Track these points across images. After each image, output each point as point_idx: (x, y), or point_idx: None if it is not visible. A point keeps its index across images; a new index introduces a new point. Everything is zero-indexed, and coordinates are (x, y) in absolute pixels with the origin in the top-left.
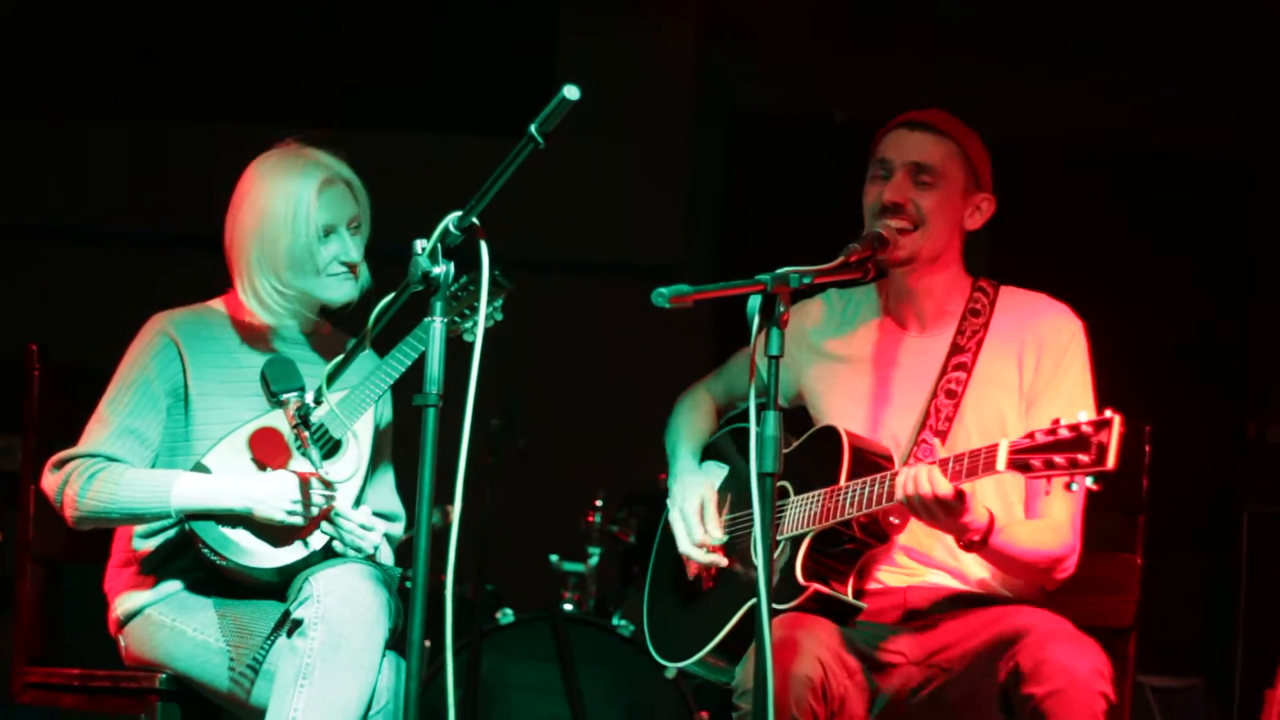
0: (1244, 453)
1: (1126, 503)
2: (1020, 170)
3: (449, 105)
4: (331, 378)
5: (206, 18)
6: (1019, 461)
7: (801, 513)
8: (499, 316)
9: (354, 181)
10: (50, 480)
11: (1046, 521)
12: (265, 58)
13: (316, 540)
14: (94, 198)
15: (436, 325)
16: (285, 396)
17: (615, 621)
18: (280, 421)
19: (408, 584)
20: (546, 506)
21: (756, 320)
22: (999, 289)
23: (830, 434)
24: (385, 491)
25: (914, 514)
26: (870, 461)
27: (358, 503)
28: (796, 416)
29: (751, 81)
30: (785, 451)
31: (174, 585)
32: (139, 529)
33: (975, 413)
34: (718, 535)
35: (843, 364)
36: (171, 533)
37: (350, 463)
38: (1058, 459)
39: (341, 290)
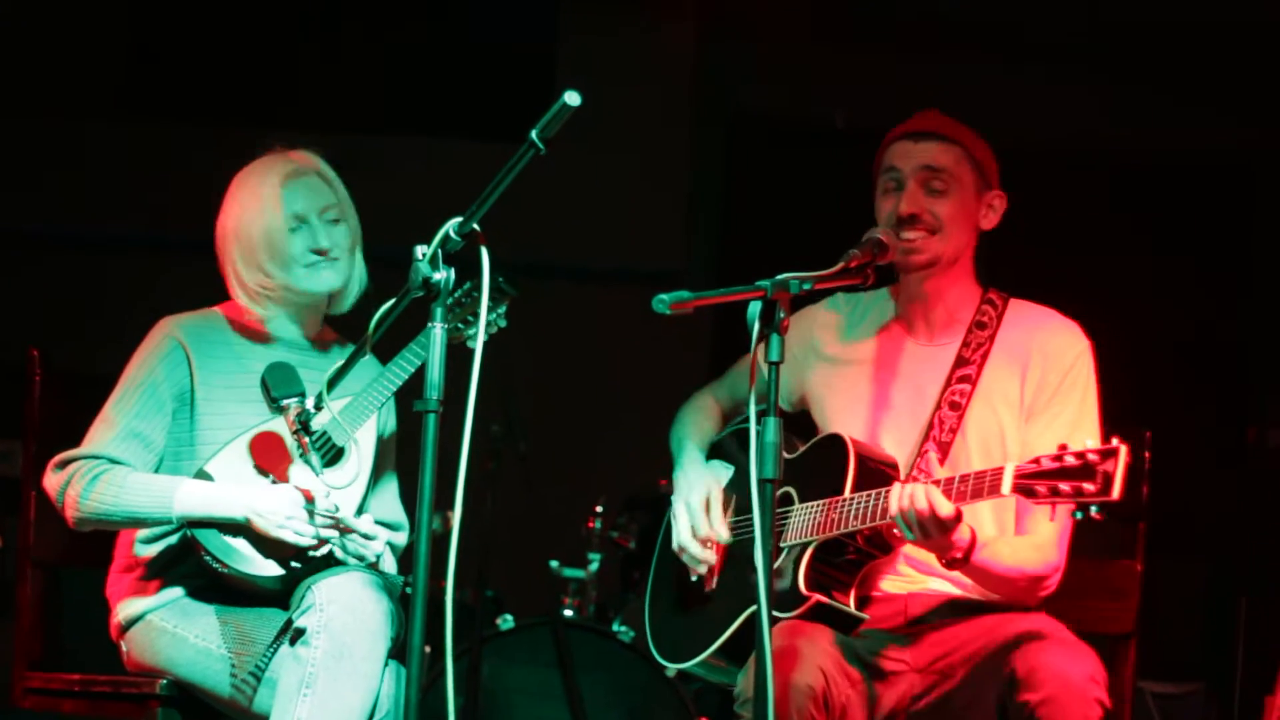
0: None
1: (1126, 508)
2: (1021, 174)
3: (449, 109)
4: (332, 383)
5: (206, 20)
6: (1024, 487)
7: (805, 521)
8: (502, 323)
9: (326, 174)
10: (53, 480)
11: (1031, 539)
12: (265, 60)
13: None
14: (94, 201)
15: (437, 331)
16: (286, 402)
17: (616, 627)
18: (281, 427)
19: (409, 590)
20: (547, 512)
21: (757, 326)
22: (1008, 301)
23: (836, 442)
24: (389, 500)
25: (905, 529)
26: (876, 471)
27: (360, 511)
28: (801, 421)
29: (752, 84)
30: (790, 457)
31: (176, 591)
32: (141, 534)
33: (977, 426)
34: (724, 535)
35: (848, 368)
36: (173, 539)
37: (351, 470)
38: (1063, 486)
39: (319, 280)
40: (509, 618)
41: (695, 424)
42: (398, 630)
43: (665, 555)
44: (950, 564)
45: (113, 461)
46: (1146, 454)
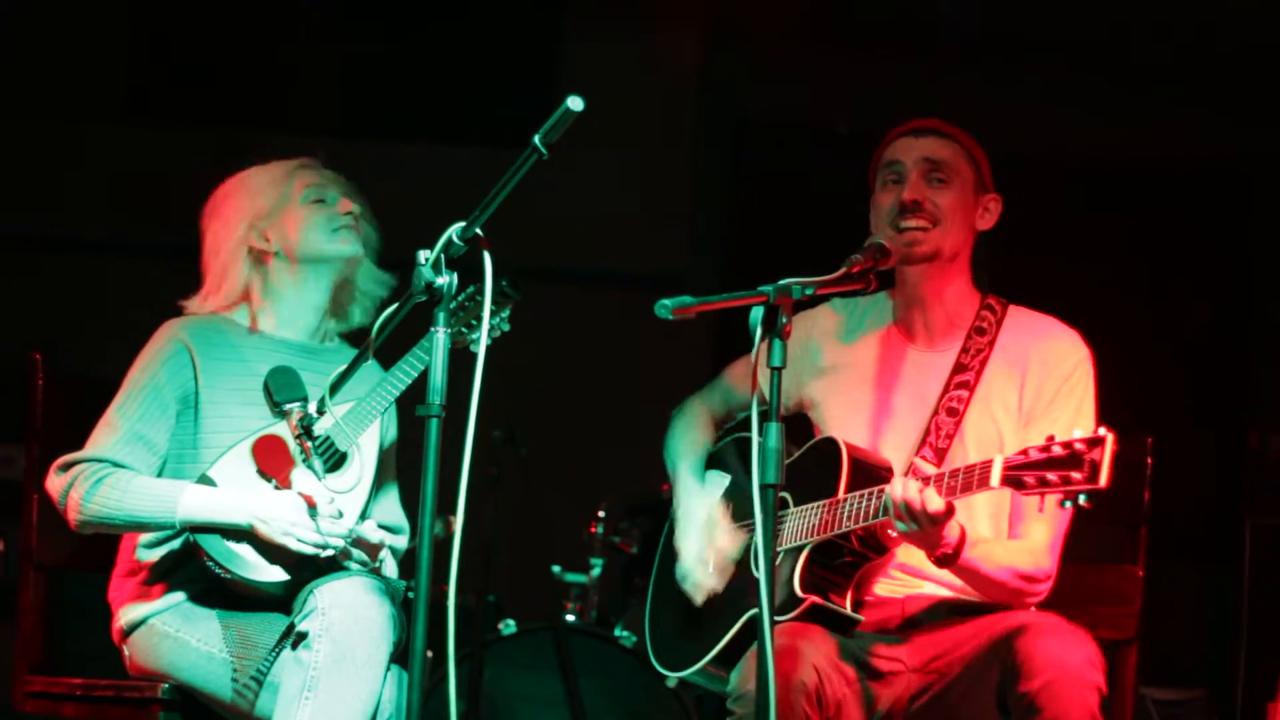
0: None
1: (1128, 514)
2: (1021, 177)
3: (452, 114)
4: (334, 388)
5: (210, 23)
6: (1013, 478)
7: (800, 524)
8: (506, 327)
9: (333, 171)
10: (55, 482)
11: (1024, 543)
12: (268, 65)
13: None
14: (96, 204)
15: (440, 336)
16: (288, 407)
17: (617, 632)
18: (284, 430)
19: (410, 595)
20: (549, 517)
21: (759, 331)
22: (1007, 308)
23: (830, 445)
24: (390, 504)
25: (897, 518)
26: (870, 474)
27: (363, 516)
28: (797, 426)
29: (755, 89)
30: (786, 462)
31: (178, 596)
32: (143, 539)
33: (975, 432)
34: (733, 554)
35: (846, 373)
36: (175, 543)
37: (354, 475)
38: (1051, 476)
39: (343, 243)
40: (511, 623)
41: (687, 440)
42: (399, 634)
43: (665, 566)
44: (940, 561)
45: (116, 465)
46: (1149, 459)
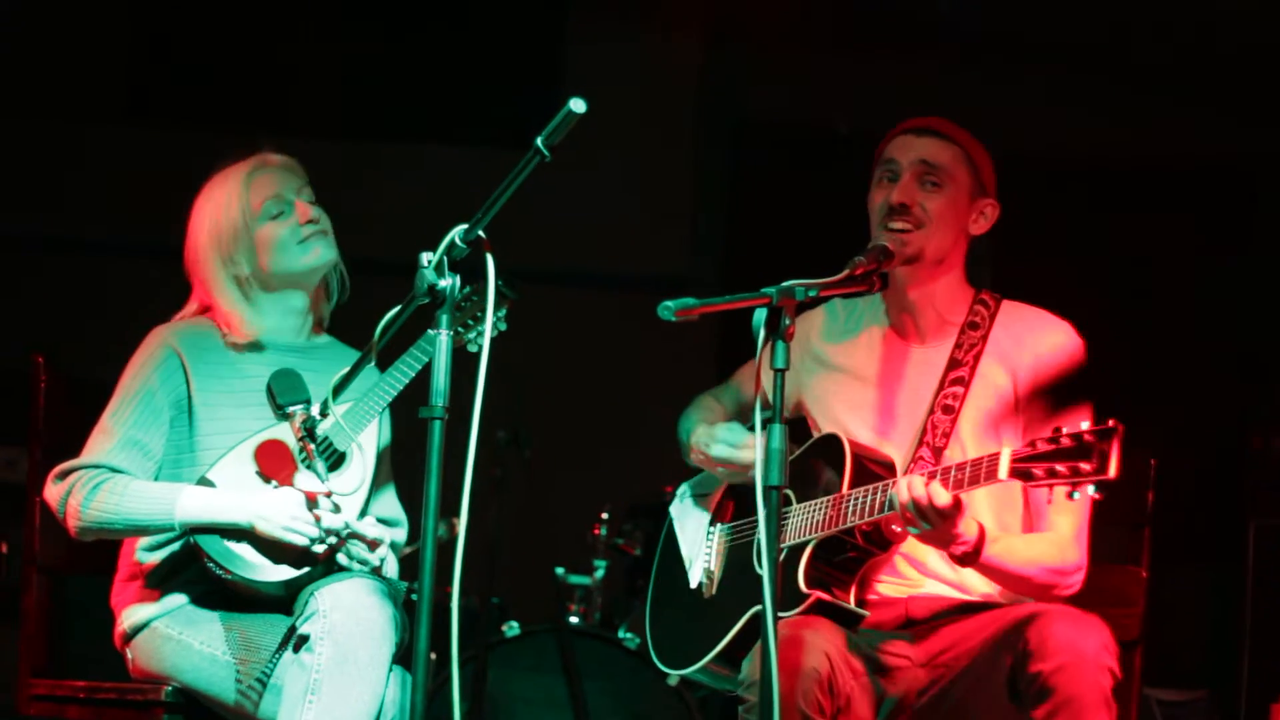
0: (1250, 465)
1: (1131, 515)
2: (1022, 177)
3: (453, 115)
4: (337, 390)
5: (211, 24)
6: (1021, 470)
7: (804, 520)
8: (502, 326)
9: (289, 163)
10: (53, 491)
11: (1049, 535)
12: (268, 65)
13: (321, 549)
14: (98, 205)
15: (443, 337)
16: (291, 409)
17: (621, 634)
18: (286, 433)
19: (413, 597)
20: (552, 519)
21: (762, 333)
22: (1000, 302)
23: (832, 442)
24: (387, 500)
25: (906, 522)
26: (872, 470)
27: (362, 514)
28: (796, 425)
29: (757, 90)
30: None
31: (180, 598)
32: (144, 542)
33: (971, 428)
34: (747, 457)
35: (844, 374)
36: (177, 546)
37: (355, 475)
38: (1060, 467)
39: (316, 253)
40: (514, 624)
41: (705, 417)
42: (402, 636)
43: (665, 563)
44: (962, 561)
45: (113, 470)
46: (1152, 460)
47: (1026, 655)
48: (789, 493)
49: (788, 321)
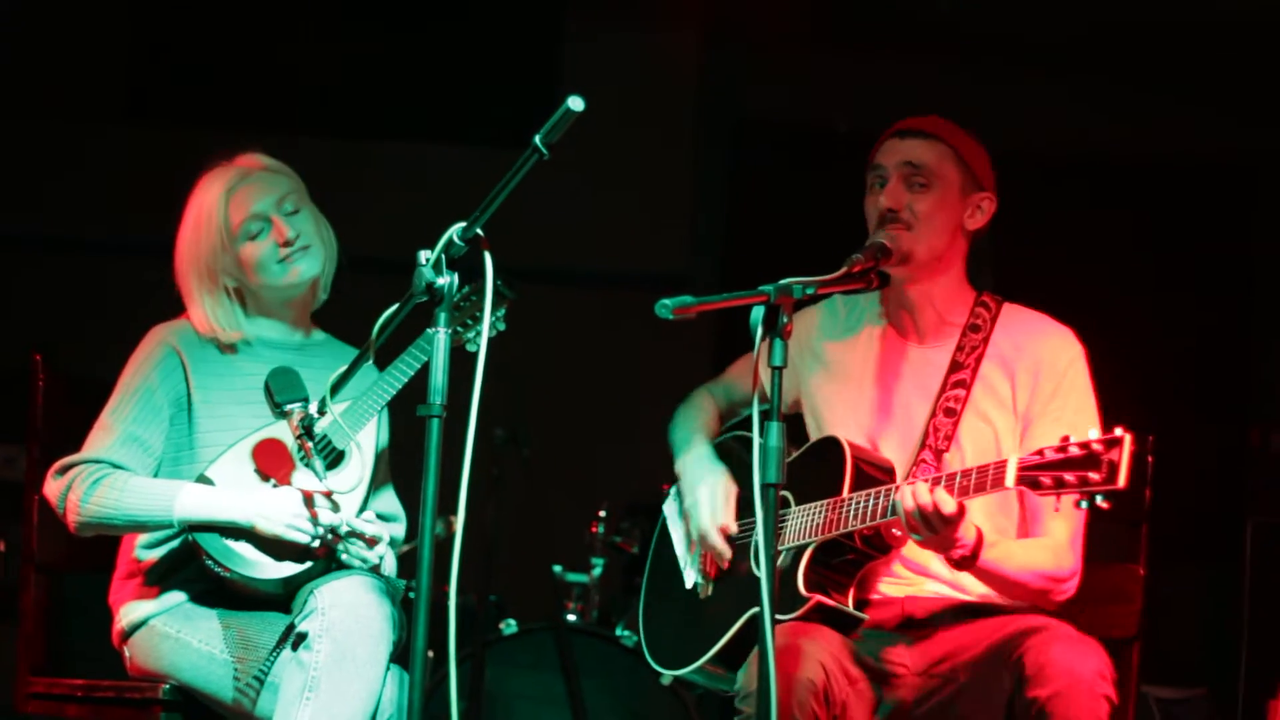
0: (1247, 462)
1: (1129, 513)
2: (1022, 175)
3: (452, 114)
4: (335, 388)
5: (211, 23)
6: (1028, 478)
7: (804, 523)
8: (501, 326)
9: (272, 166)
10: (53, 486)
11: (1044, 540)
12: (268, 65)
13: (319, 546)
14: (96, 204)
15: (441, 336)
16: (289, 407)
17: (618, 632)
18: (284, 432)
19: (411, 595)
20: (550, 517)
21: (760, 331)
22: (1002, 305)
23: (832, 445)
24: (386, 498)
25: (909, 528)
26: (872, 474)
27: (361, 512)
28: (794, 426)
29: (755, 88)
30: (786, 461)
31: (178, 596)
32: (142, 540)
33: (972, 431)
34: (733, 528)
35: (843, 373)
36: (175, 544)
37: (354, 473)
38: (1068, 476)
39: (297, 272)
40: (512, 622)
41: (697, 421)
42: (400, 634)
43: (659, 562)
44: (958, 565)
45: (113, 466)
46: (1149, 458)
47: (1024, 679)
48: (788, 494)
49: (785, 319)
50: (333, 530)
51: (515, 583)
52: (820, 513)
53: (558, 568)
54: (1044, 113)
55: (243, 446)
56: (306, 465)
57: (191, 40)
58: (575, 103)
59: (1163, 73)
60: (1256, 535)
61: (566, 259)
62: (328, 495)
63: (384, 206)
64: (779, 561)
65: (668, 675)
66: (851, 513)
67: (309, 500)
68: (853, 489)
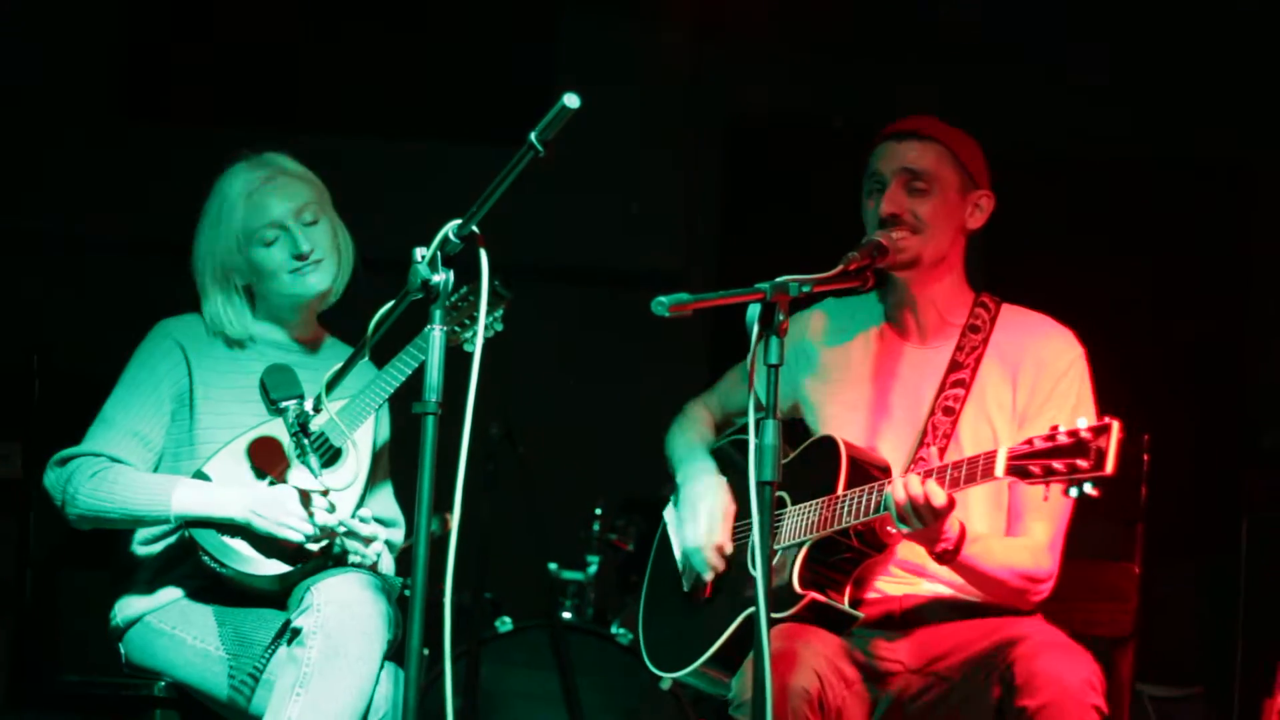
0: (1243, 460)
1: (1125, 511)
2: (1020, 175)
3: (448, 112)
4: (330, 385)
5: (206, 20)
6: (1018, 467)
7: (799, 522)
8: (499, 327)
9: (294, 171)
10: (52, 477)
11: (1024, 541)
12: (264, 62)
13: (315, 548)
14: (94, 202)
15: (436, 333)
16: (284, 404)
17: (614, 630)
18: (279, 429)
19: (406, 593)
20: (545, 514)
21: (756, 329)
22: (1001, 306)
23: (828, 443)
24: (384, 499)
25: (900, 520)
26: (868, 472)
27: (357, 509)
28: (793, 428)
29: (750, 86)
30: (783, 461)
31: (174, 593)
32: (139, 536)
33: (971, 431)
34: (729, 547)
35: (841, 374)
36: (171, 540)
37: (349, 471)
38: (1056, 464)
39: (306, 284)
40: (507, 620)
41: (694, 432)
42: (395, 632)
43: (659, 566)
44: (940, 558)
45: (113, 459)
46: (1145, 456)
47: (1013, 689)
48: (784, 494)
49: (781, 317)
50: (329, 530)
51: (510, 580)
52: (815, 511)
53: (553, 565)
54: (1043, 113)
55: (239, 443)
56: (302, 462)
57: (189, 37)
58: (571, 100)
59: (1163, 73)
60: (1252, 532)
61: (561, 257)
62: (324, 494)
63: (382, 205)
64: (775, 560)
65: (667, 679)
66: (845, 509)
67: (305, 499)
68: (848, 486)
